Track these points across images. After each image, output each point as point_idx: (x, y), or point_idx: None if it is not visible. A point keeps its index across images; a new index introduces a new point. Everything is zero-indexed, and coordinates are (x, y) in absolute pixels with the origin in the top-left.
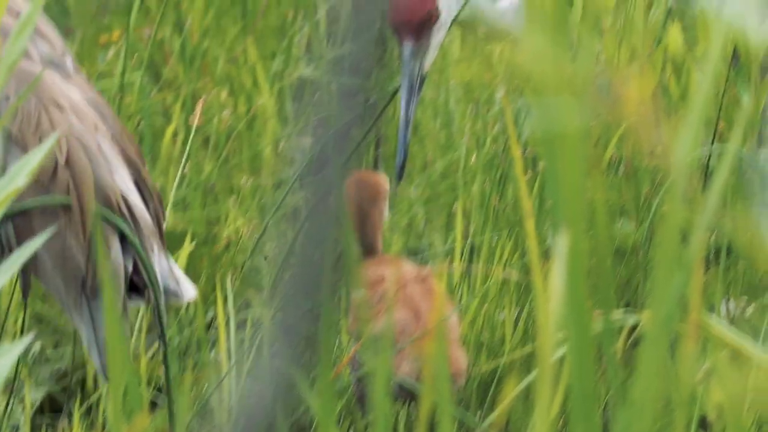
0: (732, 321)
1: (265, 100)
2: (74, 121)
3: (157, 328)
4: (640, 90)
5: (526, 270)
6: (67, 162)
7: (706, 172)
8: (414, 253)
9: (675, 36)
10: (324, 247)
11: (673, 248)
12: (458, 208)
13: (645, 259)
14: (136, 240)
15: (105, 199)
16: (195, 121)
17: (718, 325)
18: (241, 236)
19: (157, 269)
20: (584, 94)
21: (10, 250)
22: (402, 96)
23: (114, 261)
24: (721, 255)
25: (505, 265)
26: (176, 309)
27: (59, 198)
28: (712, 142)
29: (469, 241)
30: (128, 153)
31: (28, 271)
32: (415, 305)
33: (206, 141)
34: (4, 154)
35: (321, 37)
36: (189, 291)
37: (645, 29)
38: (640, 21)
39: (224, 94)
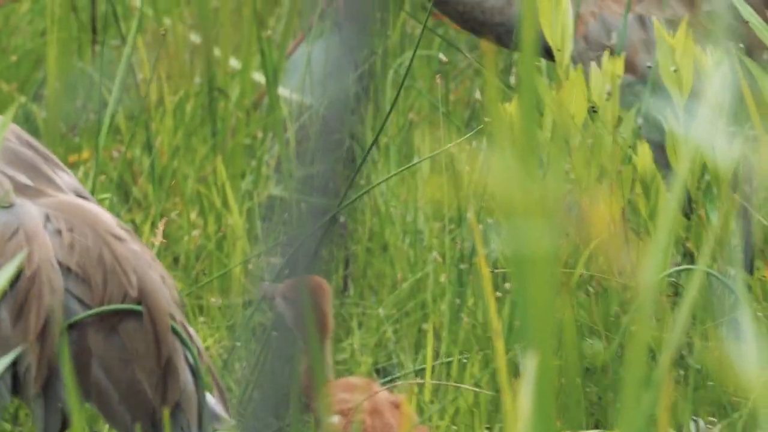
0: None
1: (235, 220)
2: (138, 250)
3: None
4: (609, 209)
5: (496, 389)
6: (140, 292)
7: (675, 292)
8: (384, 372)
9: (644, 154)
10: (293, 366)
11: (642, 367)
12: (429, 326)
13: (615, 378)
14: (201, 368)
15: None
16: (157, 240)
17: None
18: (210, 356)
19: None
20: (553, 215)
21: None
22: None
23: (186, 390)
24: (690, 374)
25: (475, 384)
26: None
27: (128, 306)
28: (681, 262)
29: (439, 360)
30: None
31: (67, 402)
32: None
33: (176, 260)
34: (63, 288)
35: (290, 156)
36: (226, 416)
37: (614, 148)
38: (609, 140)
39: (194, 214)
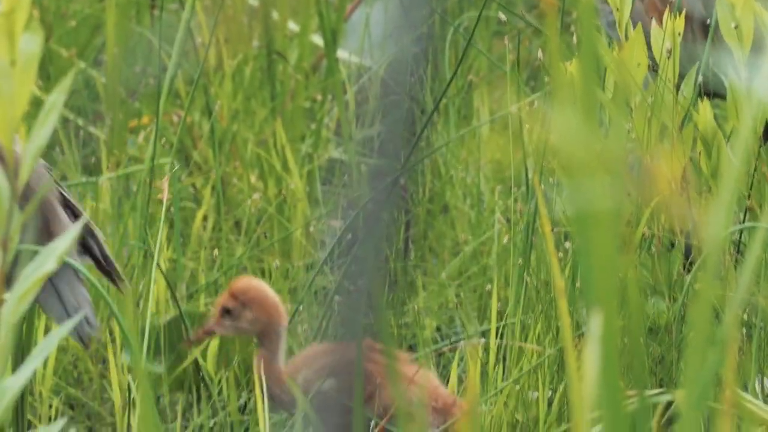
0: (767, 398)
1: (295, 183)
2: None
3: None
4: (671, 168)
5: (559, 349)
6: None
7: (738, 249)
8: (446, 335)
9: (705, 113)
10: (356, 329)
11: (707, 326)
12: (494, 287)
13: (678, 337)
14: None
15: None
16: (164, 198)
17: (753, 403)
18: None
19: None
20: (615, 173)
21: None
22: None
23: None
24: (755, 332)
25: (538, 344)
26: (208, 394)
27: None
28: (744, 219)
29: (503, 321)
30: None
31: None
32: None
33: (237, 224)
34: None
35: (350, 118)
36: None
37: (675, 106)
38: (670, 98)
39: (254, 177)
